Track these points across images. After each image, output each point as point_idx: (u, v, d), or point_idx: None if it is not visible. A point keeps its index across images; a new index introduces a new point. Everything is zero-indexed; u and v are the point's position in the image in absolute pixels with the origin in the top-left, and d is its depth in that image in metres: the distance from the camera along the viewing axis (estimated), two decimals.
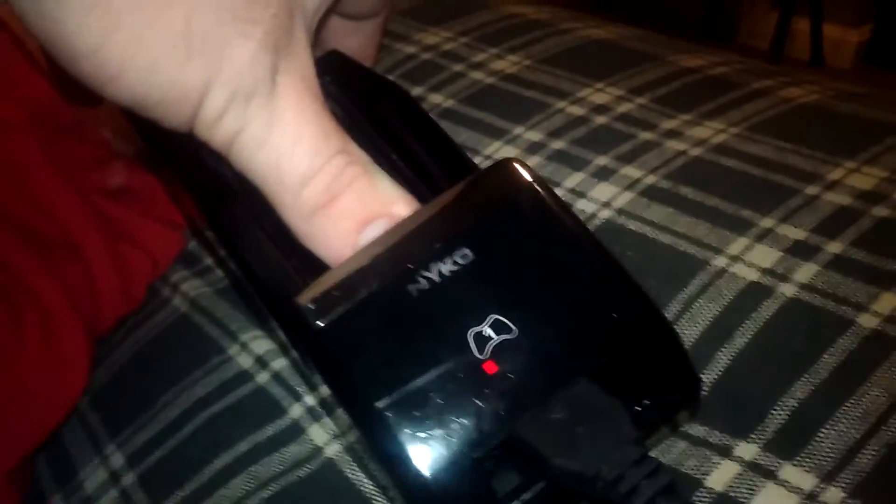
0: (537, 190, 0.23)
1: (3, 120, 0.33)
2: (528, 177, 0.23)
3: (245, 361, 0.30)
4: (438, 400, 0.20)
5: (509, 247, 0.22)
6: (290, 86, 0.23)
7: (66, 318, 0.32)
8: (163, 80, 0.22)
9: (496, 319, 0.21)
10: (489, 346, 0.21)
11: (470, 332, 0.21)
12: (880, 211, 0.27)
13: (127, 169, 0.38)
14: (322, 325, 0.21)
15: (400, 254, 0.22)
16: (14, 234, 0.33)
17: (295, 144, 0.23)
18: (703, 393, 0.23)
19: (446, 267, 0.22)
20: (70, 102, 0.36)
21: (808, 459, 0.21)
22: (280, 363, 0.29)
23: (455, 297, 0.21)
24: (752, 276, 0.26)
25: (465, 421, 0.20)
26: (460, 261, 0.22)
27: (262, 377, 0.29)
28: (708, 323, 0.25)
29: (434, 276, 0.22)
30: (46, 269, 0.32)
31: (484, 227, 0.22)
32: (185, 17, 0.21)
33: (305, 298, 0.22)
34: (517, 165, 0.23)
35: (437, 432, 0.20)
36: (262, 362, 0.29)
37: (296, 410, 0.27)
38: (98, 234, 0.35)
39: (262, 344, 0.30)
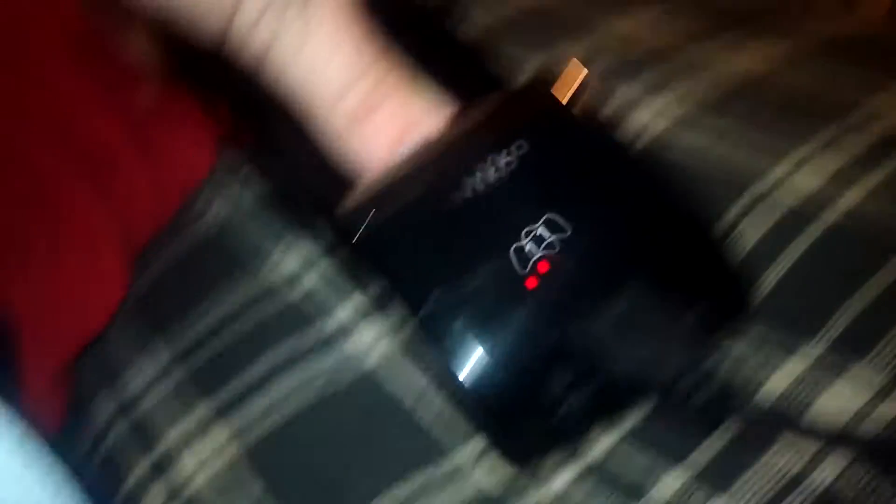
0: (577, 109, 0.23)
1: (43, 41, 0.33)
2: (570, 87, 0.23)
3: (288, 266, 0.29)
4: (497, 294, 0.20)
5: (561, 151, 0.22)
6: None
7: (103, 230, 0.32)
8: None
9: (551, 221, 0.21)
10: (546, 245, 0.21)
11: (526, 230, 0.21)
12: None
13: (157, 89, 0.38)
14: (368, 230, 0.21)
15: (458, 149, 0.22)
16: (53, 146, 0.32)
17: (330, 55, 0.23)
18: (766, 295, 0.23)
19: (501, 162, 0.21)
20: (102, 26, 0.36)
21: (879, 358, 0.21)
22: (324, 266, 0.29)
23: (510, 194, 0.21)
24: (798, 202, 0.26)
25: (526, 313, 0.20)
26: (516, 156, 0.21)
27: (310, 280, 0.29)
28: (752, 245, 0.25)
29: (490, 172, 0.21)
30: (84, 181, 0.32)
31: (534, 129, 0.22)
32: None
33: (351, 204, 0.22)
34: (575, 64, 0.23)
35: (499, 322, 0.20)
36: (306, 265, 0.29)
37: (345, 312, 0.27)
38: (133, 149, 0.35)
39: (305, 249, 0.30)
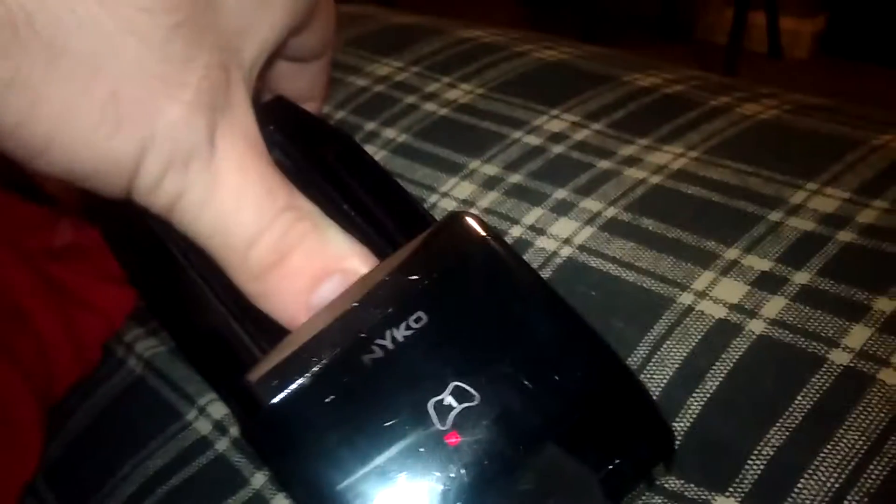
0: (490, 245, 0.22)
1: None
2: (481, 231, 0.22)
3: (203, 427, 0.29)
4: (401, 478, 0.19)
5: (466, 308, 0.21)
6: (230, 146, 0.22)
7: (17, 391, 0.31)
8: (93, 153, 0.20)
9: (457, 386, 0.20)
10: (451, 416, 0.20)
11: (430, 401, 0.20)
12: (845, 236, 0.27)
13: (74, 227, 0.37)
14: (274, 403, 0.20)
15: (351, 321, 0.21)
16: None
17: (239, 205, 0.22)
18: (677, 443, 0.22)
19: (401, 332, 0.21)
20: (9, 164, 0.35)
21: None
22: (235, 432, 0.28)
23: (412, 365, 0.20)
24: (720, 313, 0.25)
25: (429, 499, 0.19)
26: (415, 325, 0.21)
27: (222, 444, 0.28)
28: (678, 365, 0.24)
29: (388, 343, 0.21)
30: None
31: (438, 288, 0.21)
32: (110, 89, 0.20)
33: (255, 375, 0.21)
34: (469, 220, 0.23)
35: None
36: (221, 428, 0.28)
37: (258, 480, 0.26)
38: (47, 300, 0.34)
39: (220, 408, 0.29)
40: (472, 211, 0.30)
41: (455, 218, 0.23)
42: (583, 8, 2.22)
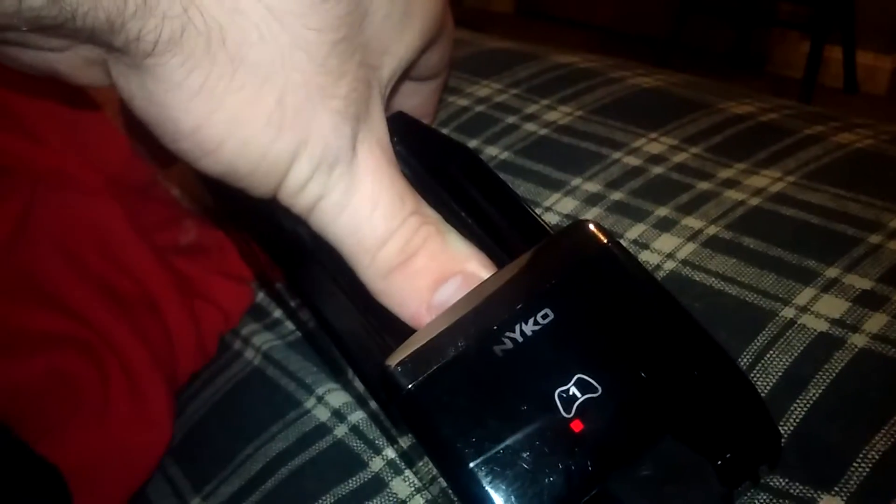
0: (613, 251, 0.24)
1: (86, 185, 0.35)
2: (603, 238, 0.24)
3: (322, 414, 0.31)
4: (528, 459, 0.21)
5: (589, 307, 0.23)
6: (368, 153, 0.24)
7: (149, 374, 0.34)
8: (256, 153, 0.23)
9: (580, 378, 0.22)
10: (575, 405, 0.22)
11: (556, 391, 0.22)
12: None
13: (197, 226, 0.40)
14: (412, 387, 0.22)
15: (483, 315, 0.23)
16: (98, 293, 0.34)
17: (373, 209, 0.24)
18: (782, 444, 0.23)
19: (529, 327, 0.23)
20: (144, 165, 0.38)
21: None
22: (357, 416, 0.30)
23: (539, 357, 0.22)
24: (822, 326, 0.26)
25: (554, 479, 0.21)
26: (542, 321, 0.23)
27: (341, 430, 0.30)
28: (780, 374, 0.26)
29: (517, 336, 0.22)
30: (129, 327, 0.34)
31: (564, 287, 0.23)
32: (277, 97, 0.22)
33: (394, 360, 0.23)
34: (592, 226, 0.24)
35: (529, 490, 0.21)
36: (339, 415, 0.30)
37: (377, 464, 0.28)
38: (174, 291, 0.37)
39: (338, 396, 0.31)
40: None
41: (578, 225, 0.25)
42: (655, 39, 2.22)
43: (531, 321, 0.23)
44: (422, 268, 0.25)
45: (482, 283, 0.24)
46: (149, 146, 0.37)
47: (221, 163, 0.23)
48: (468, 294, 0.24)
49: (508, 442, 0.21)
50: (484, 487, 0.21)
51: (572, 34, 2.65)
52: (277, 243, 0.30)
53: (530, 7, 2.90)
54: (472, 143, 0.41)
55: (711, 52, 2.38)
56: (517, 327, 0.23)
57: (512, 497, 0.21)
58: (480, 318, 0.23)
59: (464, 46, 0.51)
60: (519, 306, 0.23)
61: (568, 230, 0.25)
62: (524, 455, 0.21)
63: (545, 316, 0.23)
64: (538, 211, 0.36)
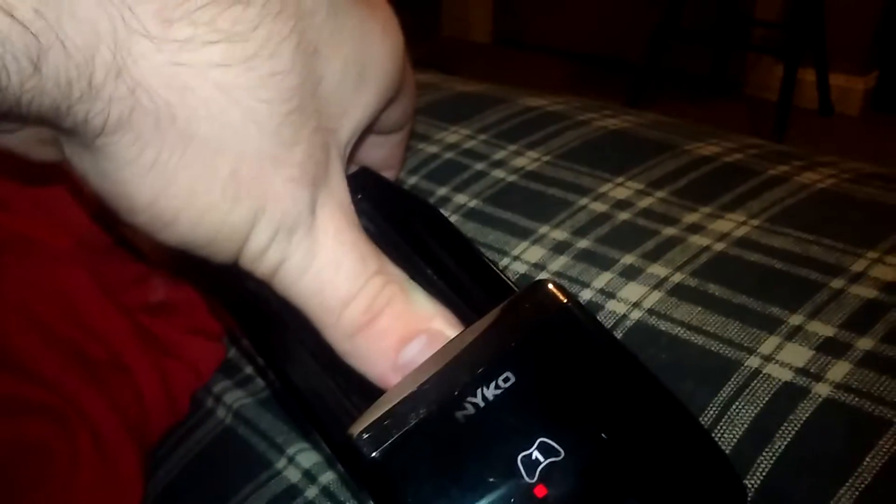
0: (573, 312, 0.24)
1: (53, 249, 0.35)
2: (562, 298, 0.24)
3: (293, 475, 0.30)
4: None
5: (550, 370, 0.23)
6: (328, 216, 0.24)
7: (118, 437, 0.33)
8: (213, 224, 0.23)
9: (542, 442, 0.22)
10: (538, 470, 0.21)
11: (518, 456, 0.22)
12: None
13: (166, 284, 0.40)
14: (374, 455, 0.22)
15: (445, 380, 0.23)
16: (65, 356, 0.34)
17: (336, 271, 0.24)
18: (749, 500, 0.23)
19: (490, 392, 0.23)
20: (110, 227, 0.38)
21: None
22: (328, 476, 0.30)
23: (501, 422, 0.22)
24: (787, 376, 0.27)
25: None
26: (503, 384, 0.23)
27: (311, 492, 0.30)
28: (746, 426, 0.26)
29: (479, 401, 0.22)
30: (98, 391, 0.33)
31: (525, 350, 0.23)
32: (231, 169, 0.22)
33: (357, 429, 0.23)
34: (552, 287, 0.24)
35: None
36: (310, 476, 0.30)
37: None
38: (144, 352, 0.36)
39: (309, 457, 0.31)
40: (546, 276, 0.32)
41: (538, 285, 0.25)
42: (633, 66, 2.25)
43: (492, 385, 0.23)
44: (387, 327, 0.25)
45: (446, 344, 0.24)
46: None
47: (179, 234, 0.23)
48: (432, 357, 0.24)
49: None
50: None
51: (550, 62, 2.68)
52: (241, 305, 0.30)
53: (508, 36, 2.93)
54: (441, 191, 0.41)
55: (690, 77, 2.41)
56: (479, 392, 0.23)
57: None
58: (442, 384, 0.23)
59: (433, 91, 0.51)
60: (480, 371, 0.23)
61: (529, 290, 0.25)
62: None
63: (506, 380, 0.23)
64: (506, 260, 0.36)
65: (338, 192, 0.25)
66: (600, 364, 0.23)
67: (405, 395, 0.23)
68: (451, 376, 0.23)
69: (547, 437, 0.22)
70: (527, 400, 0.22)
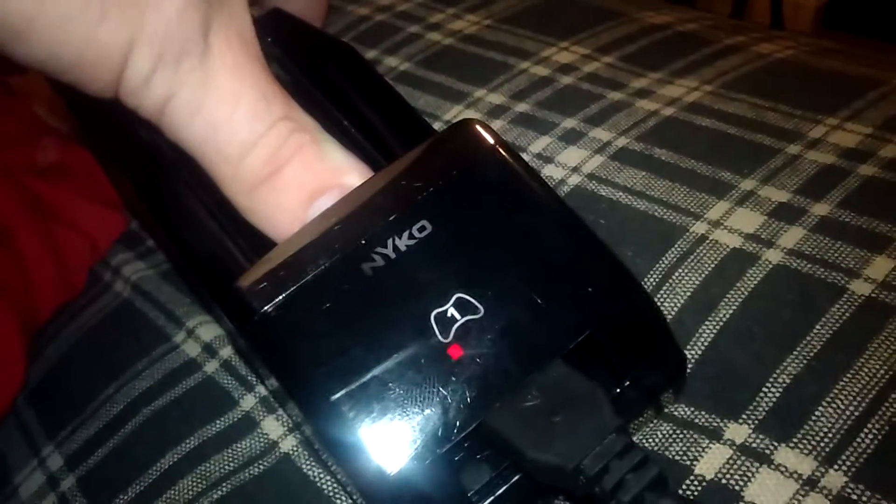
0: (500, 153, 0.21)
1: None
2: (489, 139, 0.21)
3: (192, 349, 0.27)
4: (399, 389, 0.18)
5: (472, 217, 0.20)
6: (224, 45, 0.21)
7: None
8: (77, 38, 0.19)
9: (460, 298, 0.19)
10: (454, 328, 0.19)
11: (432, 313, 0.19)
12: (867, 169, 0.26)
13: (60, 145, 0.35)
14: (267, 310, 0.19)
15: (352, 227, 0.20)
16: None
17: (233, 110, 0.21)
18: (688, 370, 0.21)
19: (403, 241, 0.20)
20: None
21: (805, 441, 0.19)
22: (230, 351, 0.27)
23: (414, 274, 0.19)
24: (735, 242, 0.24)
25: (429, 411, 0.18)
26: (418, 234, 0.20)
27: (211, 366, 0.27)
28: (689, 294, 0.23)
29: (390, 251, 0.19)
30: None
31: (443, 195, 0.20)
32: None
33: (247, 281, 0.20)
34: (478, 126, 0.21)
35: (399, 425, 0.18)
36: (210, 350, 0.27)
37: (248, 401, 0.25)
38: (29, 217, 0.32)
39: (210, 330, 0.28)
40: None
41: (461, 125, 0.22)
42: None
43: (405, 235, 0.20)
44: (293, 180, 0.22)
45: (355, 190, 0.21)
46: None
47: (38, 47, 0.19)
48: (338, 203, 0.21)
49: (375, 371, 0.18)
50: (346, 424, 0.18)
51: None
52: (132, 157, 0.26)
53: None
54: (371, 54, 0.37)
55: None
56: (390, 242, 0.20)
57: (379, 435, 0.18)
58: (348, 232, 0.20)
59: None
60: (392, 218, 0.20)
61: (451, 130, 0.21)
62: (393, 386, 0.18)
63: (422, 228, 0.20)
64: (437, 125, 0.32)
65: (237, 17, 0.21)
66: (528, 212, 0.20)
67: (304, 244, 0.20)
68: (358, 224, 0.20)
69: (465, 293, 0.19)
70: (444, 251, 0.20)
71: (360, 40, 0.39)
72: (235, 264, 0.24)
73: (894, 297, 0.22)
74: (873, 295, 0.22)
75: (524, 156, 0.29)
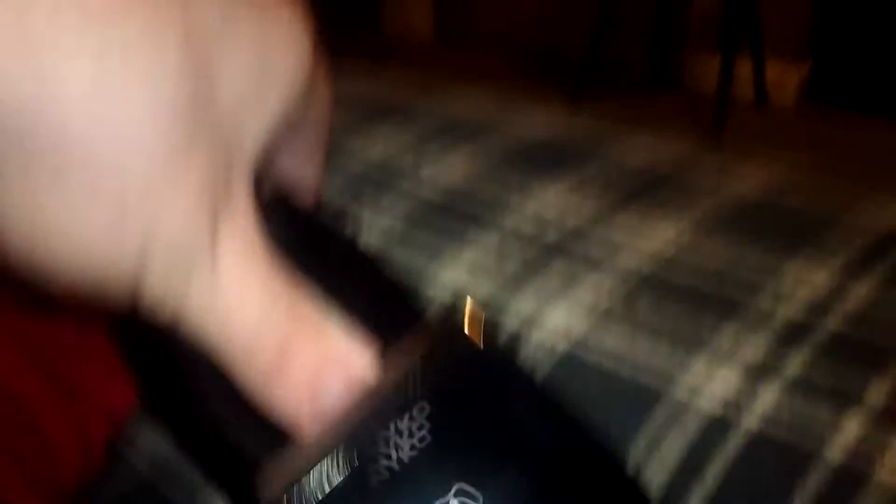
0: (486, 354, 0.23)
1: None
2: (477, 334, 0.23)
3: None
4: None
5: (467, 417, 0.22)
6: (231, 253, 0.23)
7: (19, 494, 0.31)
8: (97, 264, 0.21)
9: (461, 493, 0.20)
10: None
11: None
12: (831, 322, 0.27)
13: (78, 322, 0.37)
14: None
15: (357, 440, 0.21)
16: None
17: (242, 313, 0.23)
18: None
19: (406, 451, 0.21)
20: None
21: None
22: None
23: (417, 482, 0.21)
24: (715, 408, 0.26)
25: None
26: (419, 443, 0.21)
27: None
28: (677, 461, 0.25)
29: (395, 464, 0.21)
30: None
31: (437, 400, 0.22)
32: (111, 196, 0.20)
33: (267, 496, 0.21)
34: (467, 321, 0.23)
35: None
36: None
37: None
38: (52, 397, 0.34)
39: None
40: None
41: (446, 319, 0.23)
42: (572, 60, 2.25)
43: (407, 443, 0.21)
44: (301, 371, 0.23)
45: (357, 397, 0.23)
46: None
47: (60, 276, 0.21)
48: (344, 406, 0.22)
49: None
50: None
51: (492, 58, 2.67)
52: (149, 359, 0.28)
53: (450, 31, 2.92)
54: (365, 213, 0.40)
55: (627, 70, 2.43)
56: (394, 453, 0.21)
57: None
58: (354, 444, 0.21)
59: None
60: (393, 424, 0.21)
61: (438, 325, 0.23)
62: None
63: (422, 438, 0.21)
64: (429, 284, 0.34)
65: (243, 219, 0.23)
66: (516, 405, 0.22)
67: (317, 457, 0.21)
68: (363, 433, 0.22)
69: (465, 484, 0.21)
70: (443, 454, 0.21)
71: (354, 198, 0.41)
72: (250, 456, 0.25)
73: (864, 464, 0.23)
74: (846, 462, 0.23)
75: (514, 319, 0.31)
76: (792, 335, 0.27)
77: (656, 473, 0.25)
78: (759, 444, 0.24)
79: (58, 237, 0.20)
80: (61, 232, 0.20)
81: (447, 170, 0.41)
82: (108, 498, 0.32)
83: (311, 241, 0.30)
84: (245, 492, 0.22)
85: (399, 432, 0.22)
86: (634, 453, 0.25)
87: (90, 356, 0.37)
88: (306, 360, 0.23)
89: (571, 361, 0.29)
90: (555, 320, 0.30)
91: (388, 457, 0.21)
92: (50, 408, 0.34)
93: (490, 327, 0.23)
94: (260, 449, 0.25)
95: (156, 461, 0.32)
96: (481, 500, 0.21)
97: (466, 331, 0.23)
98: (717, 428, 0.25)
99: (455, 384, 0.22)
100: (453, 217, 0.37)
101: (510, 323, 0.31)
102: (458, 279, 0.34)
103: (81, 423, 0.34)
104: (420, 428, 0.22)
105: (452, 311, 0.24)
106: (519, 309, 0.32)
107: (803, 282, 0.29)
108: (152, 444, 0.33)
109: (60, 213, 0.20)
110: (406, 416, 0.21)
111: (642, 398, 0.27)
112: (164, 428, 0.34)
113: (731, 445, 0.25)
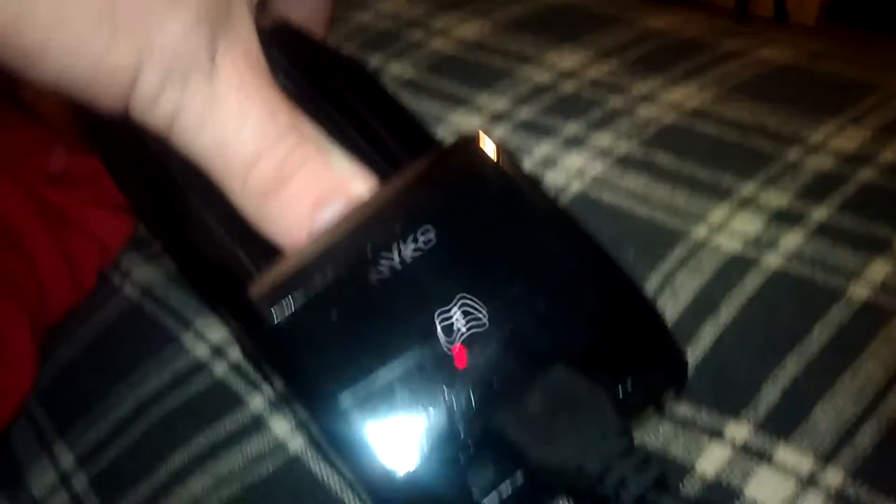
0: (501, 166, 0.21)
1: None
2: (491, 152, 0.22)
3: (201, 351, 0.28)
4: (405, 393, 0.19)
5: (475, 227, 0.21)
6: (230, 63, 0.21)
7: (8, 313, 0.30)
8: (89, 60, 0.20)
9: (465, 305, 0.19)
10: (458, 334, 0.19)
11: (437, 319, 0.19)
12: (864, 174, 0.26)
13: (70, 152, 0.36)
14: (279, 321, 0.20)
15: (357, 237, 0.20)
16: None
17: (240, 126, 0.21)
18: (689, 371, 0.22)
19: (409, 251, 0.20)
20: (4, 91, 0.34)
21: (804, 439, 0.20)
22: (237, 352, 0.27)
23: (419, 283, 0.20)
24: (736, 246, 0.25)
25: (436, 415, 0.18)
26: (423, 244, 0.20)
27: (220, 368, 0.27)
28: (690, 298, 0.24)
29: (395, 261, 0.20)
30: None
31: (447, 205, 0.21)
32: None
33: (259, 291, 0.20)
34: (481, 139, 0.22)
35: (405, 427, 0.18)
36: (219, 352, 0.28)
37: (256, 402, 0.26)
38: (41, 223, 0.33)
39: (218, 332, 0.28)
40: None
41: (466, 138, 0.22)
42: None
43: (411, 244, 0.20)
44: (300, 191, 0.22)
45: (360, 201, 0.21)
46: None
47: (51, 71, 0.20)
48: (342, 216, 0.21)
49: (382, 376, 0.19)
50: (355, 428, 0.18)
51: None
52: (139, 164, 0.27)
53: None
54: (375, 60, 0.38)
55: None
56: (395, 252, 0.20)
57: (387, 438, 0.18)
58: (354, 243, 0.20)
59: None
60: (397, 228, 0.20)
61: (454, 144, 0.22)
62: (399, 390, 0.19)
63: (427, 240, 0.20)
64: (441, 129, 0.33)
65: (243, 35, 0.22)
66: (530, 222, 0.21)
67: (313, 254, 0.20)
68: (364, 234, 0.20)
69: (469, 300, 0.20)
70: (448, 260, 0.20)
71: (365, 47, 0.39)
72: (243, 269, 0.24)
73: (892, 300, 0.22)
74: (870, 298, 0.22)
75: (527, 161, 0.30)
76: (821, 185, 0.26)
77: (668, 307, 0.24)
78: (779, 281, 0.23)
79: (50, 32, 0.19)
80: (53, 27, 0.19)
81: (463, 24, 0.39)
82: (97, 321, 0.31)
83: (319, 64, 0.29)
84: (238, 300, 0.21)
85: (402, 238, 0.20)
86: (648, 287, 0.24)
87: (80, 185, 0.36)
88: (305, 179, 0.22)
89: (586, 200, 0.27)
90: (571, 162, 0.29)
91: (389, 257, 0.20)
92: (37, 232, 0.33)
93: (505, 154, 0.22)
94: (252, 265, 0.24)
95: (145, 287, 0.31)
96: (485, 313, 0.20)
97: (479, 150, 0.22)
98: (735, 266, 0.24)
99: (466, 200, 0.21)
100: (468, 67, 0.36)
101: (525, 165, 0.30)
102: (472, 124, 0.32)
103: (70, 250, 0.33)
104: (425, 233, 0.20)
105: (464, 140, 0.22)
106: (533, 151, 0.30)
107: (837, 136, 0.28)
108: (144, 272, 0.32)
109: (51, 13, 0.18)
110: (410, 240, 0.20)
111: (658, 237, 0.26)
112: (154, 251, 0.33)
113: (750, 282, 0.24)
